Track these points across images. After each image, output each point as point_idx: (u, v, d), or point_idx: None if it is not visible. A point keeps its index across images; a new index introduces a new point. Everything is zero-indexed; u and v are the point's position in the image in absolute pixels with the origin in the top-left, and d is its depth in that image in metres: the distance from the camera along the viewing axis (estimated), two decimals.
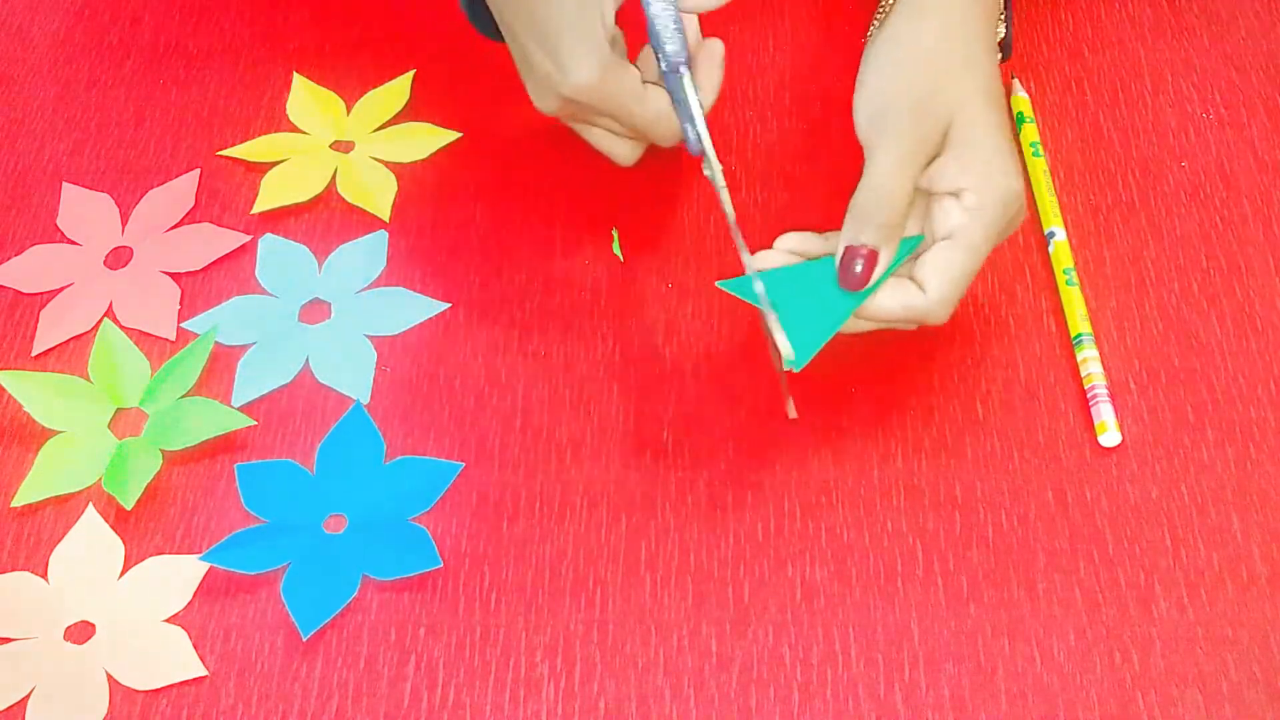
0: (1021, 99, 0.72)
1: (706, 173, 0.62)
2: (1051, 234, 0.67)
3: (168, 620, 0.58)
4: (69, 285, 0.70)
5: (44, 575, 0.60)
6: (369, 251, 0.70)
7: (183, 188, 0.73)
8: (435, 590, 0.58)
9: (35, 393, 0.64)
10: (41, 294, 0.69)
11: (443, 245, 0.70)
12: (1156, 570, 0.57)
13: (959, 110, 0.59)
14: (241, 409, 0.64)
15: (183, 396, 0.64)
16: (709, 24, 0.70)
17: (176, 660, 0.57)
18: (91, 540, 0.60)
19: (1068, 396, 0.62)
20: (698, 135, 0.63)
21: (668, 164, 0.71)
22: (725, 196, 0.61)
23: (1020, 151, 0.71)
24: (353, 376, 0.65)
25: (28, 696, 0.56)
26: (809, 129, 0.73)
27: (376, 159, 0.73)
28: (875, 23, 0.65)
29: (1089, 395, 0.62)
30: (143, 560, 0.60)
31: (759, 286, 0.59)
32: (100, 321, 0.68)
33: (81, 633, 0.58)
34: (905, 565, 0.58)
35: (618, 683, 0.56)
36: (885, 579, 0.58)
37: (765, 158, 0.72)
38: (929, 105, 0.59)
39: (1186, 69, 0.74)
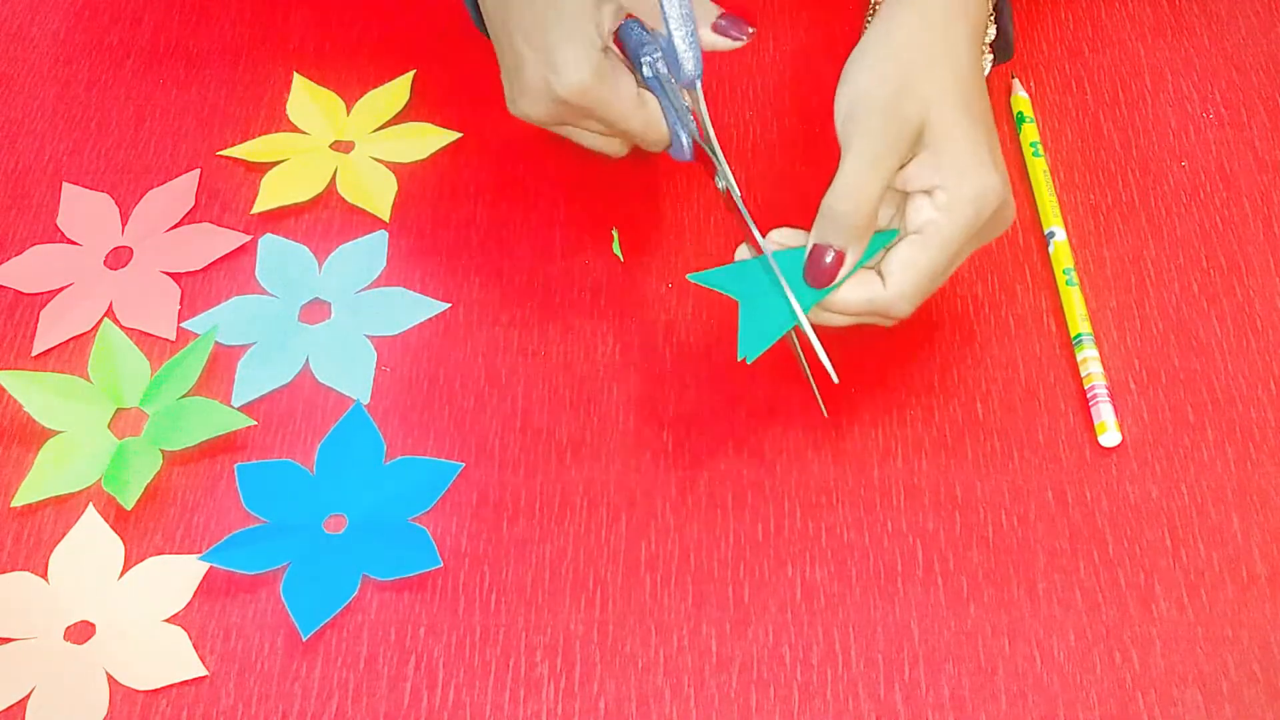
0: (1021, 99, 0.73)
1: (720, 184, 0.62)
2: (1051, 234, 0.67)
3: (168, 620, 0.58)
4: (69, 285, 0.70)
5: (44, 575, 0.60)
6: (369, 251, 0.70)
7: (183, 188, 0.73)
8: (435, 590, 0.58)
9: (35, 393, 0.64)
10: (41, 294, 0.69)
11: (443, 245, 0.70)
12: (1156, 570, 0.57)
13: (932, 109, 0.59)
14: (241, 409, 0.64)
15: (183, 396, 0.64)
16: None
17: (176, 660, 0.57)
18: (91, 540, 0.60)
19: (1068, 396, 0.62)
20: (702, 145, 0.63)
21: (668, 164, 0.71)
22: (740, 205, 0.61)
23: (1021, 151, 0.71)
24: (353, 376, 0.65)
25: (28, 696, 0.56)
26: (809, 129, 0.73)
27: (376, 159, 0.73)
28: (866, 22, 0.65)
29: (1089, 395, 0.62)
30: (143, 560, 0.60)
31: (760, 251, 0.59)
32: (100, 321, 0.68)
33: (81, 633, 0.58)
34: (905, 565, 0.58)
35: (618, 683, 0.56)
36: (885, 579, 0.58)
37: (765, 158, 0.72)
38: (900, 104, 0.59)
39: (1186, 68, 0.74)
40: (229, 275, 0.69)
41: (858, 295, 0.59)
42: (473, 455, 0.62)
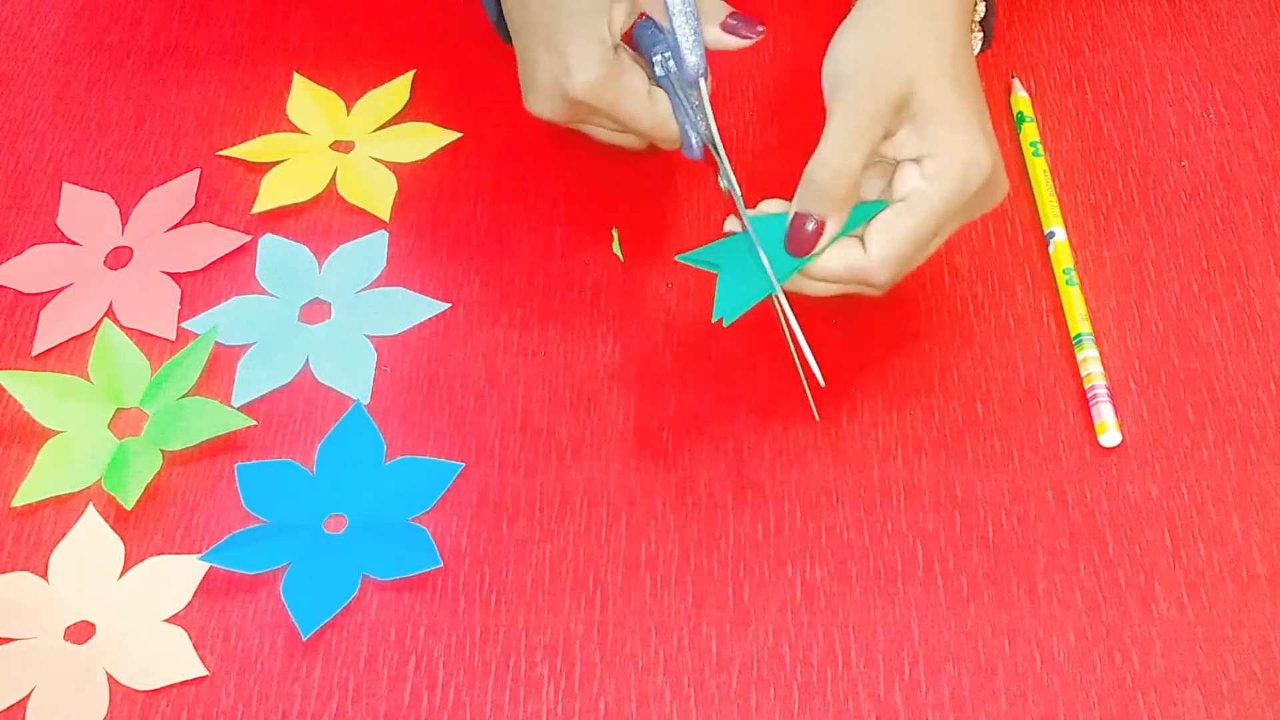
0: (1021, 99, 0.72)
1: (723, 184, 0.62)
2: (1051, 234, 0.67)
3: (168, 620, 0.58)
4: (69, 285, 0.70)
5: (44, 575, 0.60)
6: (369, 251, 0.70)
7: (183, 188, 0.73)
8: (435, 590, 0.58)
9: (35, 393, 0.64)
10: (41, 294, 0.69)
11: (443, 245, 0.70)
12: (1156, 570, 0.57)
13: (917, 80, 0.58)
14: (241, 409, 0.64)
15: (183, 396, 0.64)
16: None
17: (176, 660, 0.57)
18: (91, 540, 0.60)
19: (1068, 396, 0.62)
20: (707, 144, 0.63)
21: (668, 164, 0.71)
22: (740, 205, 0.61)
23: (1021, 151, 0.71)
24: (353, 376, 0.65)
25: (28, 696, 0.56)
26: (810, 129, 0.73)
27: (376, 159, 0.73)
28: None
29: (1089, 395, 0.62)
30: (143, 560, 0.60)
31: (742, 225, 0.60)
32: (100, 321, 0.68)
33: (81, 633, 0.58)
34: (905, 565, 0.58)
35: (618, 683, 0.56)
36: (885, 579, 0.58)
37: (765, 157, 0.72)
38: (883, 75, 0.58)
39: (1186, 68, 0.74)
40: (229, 275, 0.69)
41: (838, 262, 0.59)
42: (473, 455, 0.62)
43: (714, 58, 0.63)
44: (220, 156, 0.74)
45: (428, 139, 0.74)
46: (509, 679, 0.56)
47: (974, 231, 0.68)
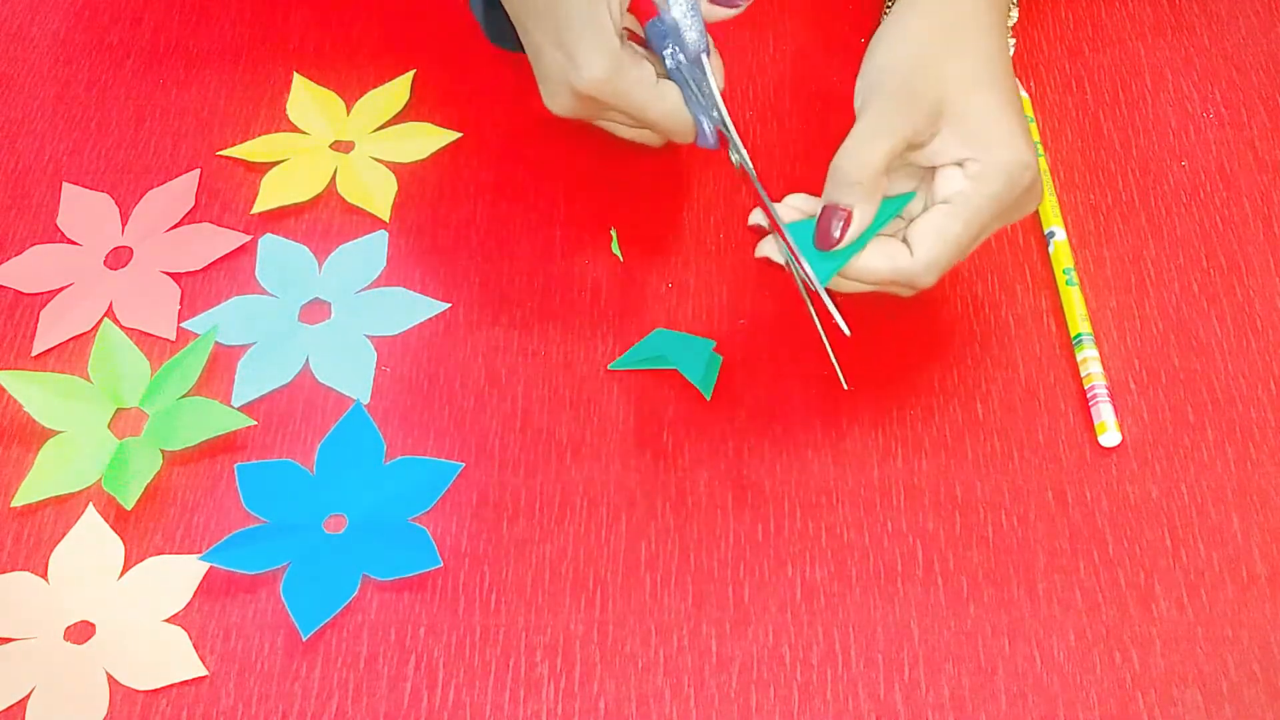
0: (1022, 99, 0.72)
1: (734, 158, 0.62)
2: (1051, 234, 0.67)
3: (168, 620, 0.58)
4: (69, 285, 0.70)
5: (44, 575, 0.60)
6: (369, 251, 0.70)
7: (183, 188, 0.73)
8: (435, 590, 0.58)
9: (35, 393, 0.64)
10: (41, 294, 0.69)
11: (443, 245, 0.70)
12: (1156, 570, 0.57)
13: (954, 86, 0.58)
14: (241, 409, 0.64)
15: (183, 396, 0.64)
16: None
17: (176, 660, 0.57)
18: (91, 540, 0.60)
19: (1068, 396, 0.62)
20: (717, 123, 0.63)
21: (667, 164, 0.71)
22: (754, 176, 0.61)
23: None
24: (353, 376, 0.65)
25: (28, 696, 0.56)
26: (809, 129, 0.73)
27: (376, 159, 0.73)
28: (885, 10, 0.65)
29: (1089, 395, 0.62)
30: (143, 560, 0.60)
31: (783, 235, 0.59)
32: (100, 321, 0.68)
33: (81, 633, 0.58)
34: (905, 565, 0.58)
35: (618, 683, 0.56)
36: (885, 579, 0.58)
37: (766, 158, 0.72)
38: (917, 79, 0.58)
39: (1187, 68, 0.74)
40: (229, 275, 0.69)
41: (883, 264, 0.58)
42: (473, 455, 0.62)
43: (719, 42, 0.63)
44: (220, 156, 0.74)
45: (428, 139, 0.74)
46: (509, 679, 0.56)
47: None
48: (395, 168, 0.73)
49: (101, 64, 0.80)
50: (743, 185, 0.62)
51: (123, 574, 0.59)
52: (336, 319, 0.67)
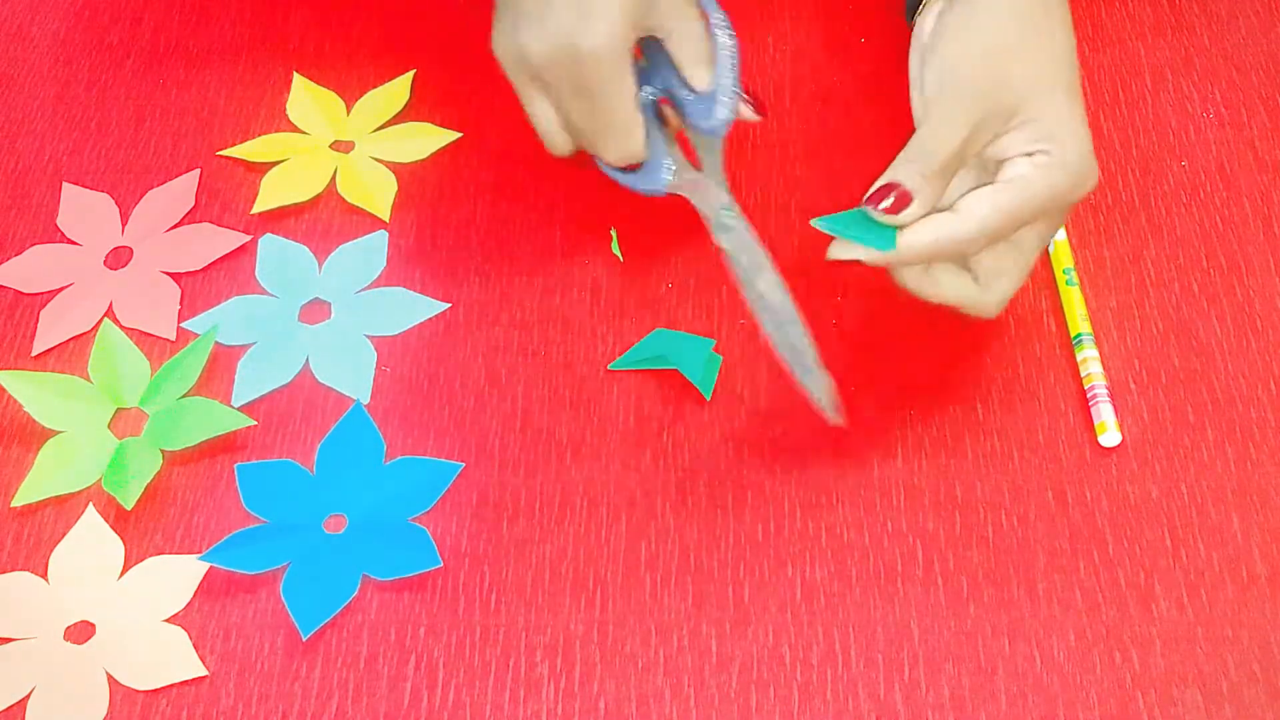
0: None
1: (723, 244, 0.61)
2: None
3: (168, 620, 0.58)
4: (69, 285, 0.70)
5: (44, 575, 0.60)
6: (369, 251, 0.70)
7: (183, 188, 0.73)
8: (435, 590, 0.58)
9: (35, 393, 0.64)
10: (41, 294, 0.69)
11: (443, 245, 0.70)
12: (1156, 570, 0.57)
13: (1029, 85, 0.57)
14: (241, 409, 0.64)
15: (183, 396, 0.64)
16: None
17: (176, 660, 0.57)
18: (91, 540, 0.60)
19: (1068, 396, 0.62)
20: (708, 207, 0.62)
21: None
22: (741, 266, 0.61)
23: None
24: (353, 376, 0.65)
25: (28, 696, 0.56)
26: (809, 129, 0.73)
27: (376, 159, 0.73)
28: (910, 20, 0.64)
29: (1089, 395, 0.62)
30: (143, 560, 0.60)
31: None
32: (100, 321, 0.68)
33: (81, 633, 0.58)
34: (905, 565, 0.58)
35: (618, 683, 0.56)
36: (885, 579, 0.58)
37: (765, 158, 0.72)
38: (993, 76, 0.57)
39: (1187, 68, 0.74)
40: (229, 275, 0.69)
41: (927, 233, 0.56)
42: (473, 455, 0.62)
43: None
44: (220, 156, 0.74)
45: (428, 139, 0.74)
46: (509, 679, 0.56)
47: None
48: (395, 168, 0.73)
49: (101, 64, 0.80)
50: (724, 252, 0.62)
51: (123, 574, 0.59)
52: (336, 319, 0.67)
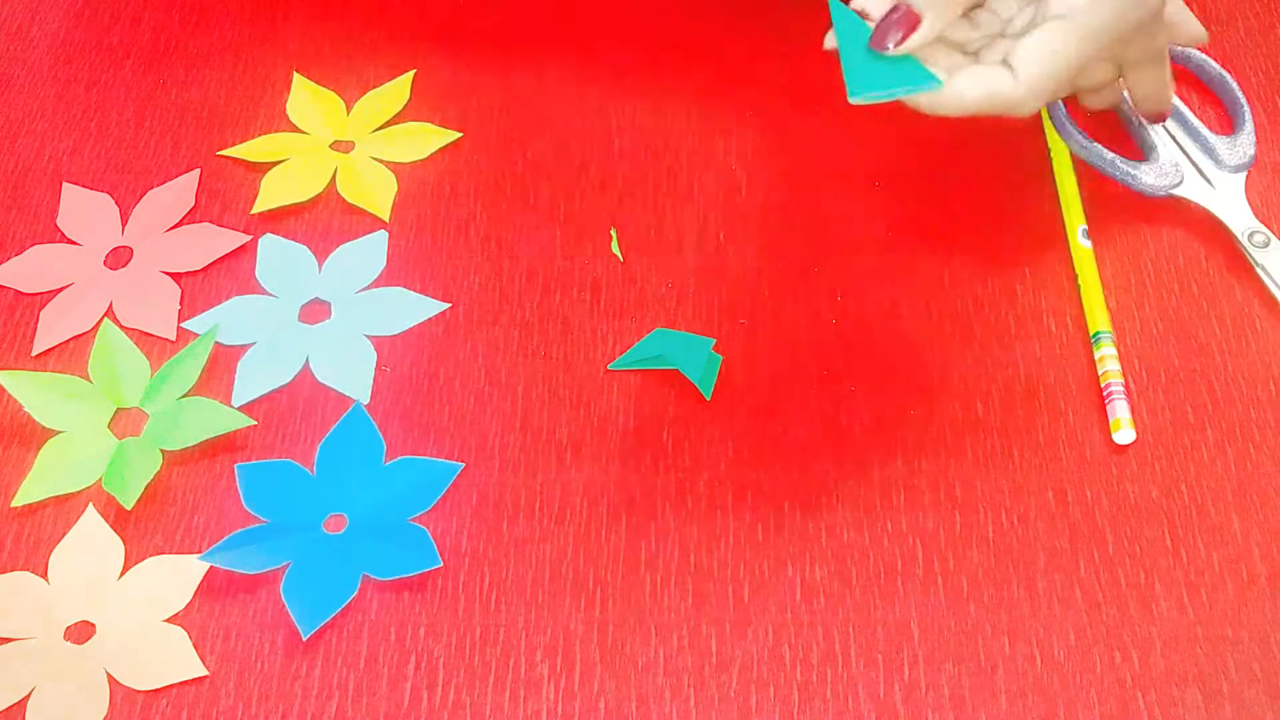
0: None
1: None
2: (1083, 230, 0.67)
3: (168, 620, 0.58)
4: (69, 285, 0.70)
5: (44, 575, 0.60)
6: (369, 251, 0.70)
7: (183, 188, 0.73)
8: (435, 590, 0.58)
9: (35, 393, 0.64)
10: (41, 294, 0.69)
11: (443, 245, 0.70)
12: (1156, 570, 0.57)
13: None
14: (241, 409, 0.64)
15: (183, 396, 0.64)
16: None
17: (176, 660, 0.57)
18: (91, 540, 0.60)
19: (1067, 396, 0.62)
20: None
21: (668, 164, 0.71)
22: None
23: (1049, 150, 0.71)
24: (353, 376, 0.65)
25: (28, 696, 0.56)
26: (808, 130, 0.73)
27: (376, 159, 0.73)
28: None
29: (1105, 392, 0.62)
30: (143, 560, 0.60)
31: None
32: (100, 321, 0.68)
33: (81, 633, 0.58)
34: (905, 565, 0.58)
35: (618, 683, 0.56)
36: (885, 579, 0.58)
37: (765, 158, 0.72)
38: None
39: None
40: (229, 275, 0.69)
41: (979, 89, 0.53)
42: (473, 455, 0.62)
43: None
44: (220, 156, 0.74)
45: (428, 139, 0.74)
46: (509, 679, 0.56)
47: (973, 231, 0.68)
48: (395, 168, 0.73)
49: (101, 64, 0.80)
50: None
51: (123, 574, 0.59)
52: (336, 319, 0.67)
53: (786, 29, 0.78)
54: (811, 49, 0.77)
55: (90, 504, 0.61)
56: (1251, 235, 0.66)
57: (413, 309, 0.67)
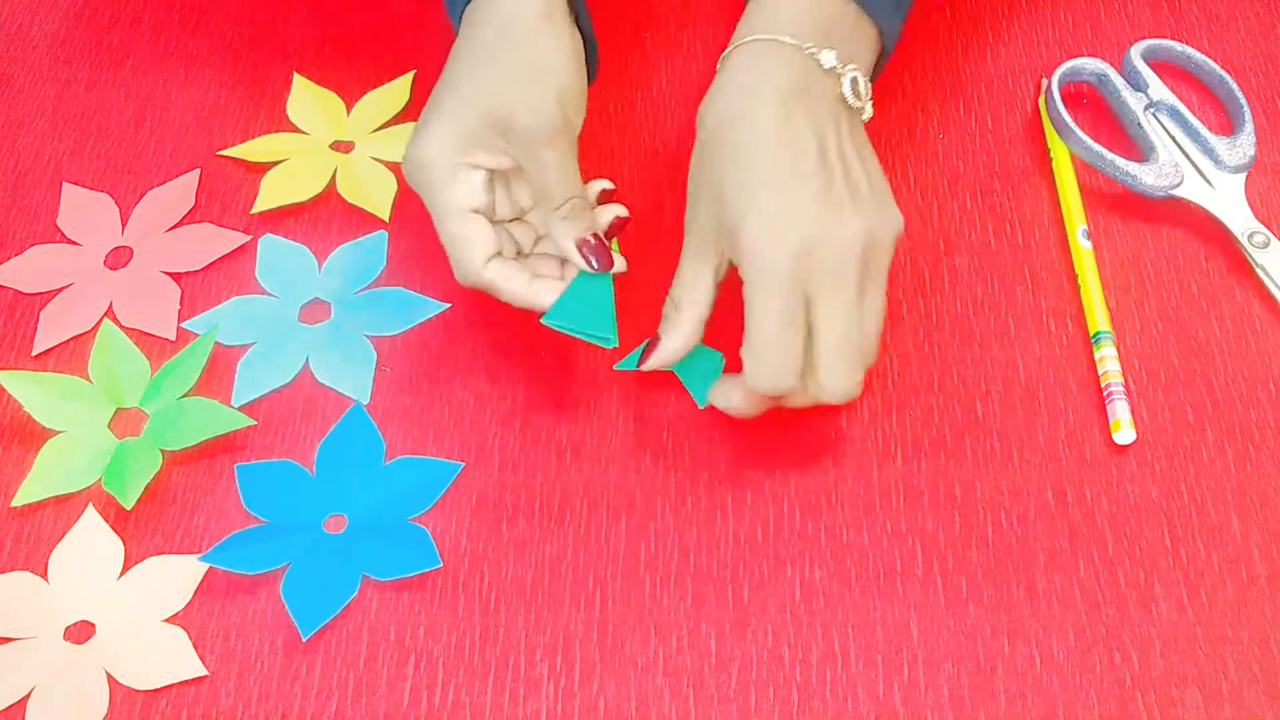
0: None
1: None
2: (1084, 231, 0.67)
3: (168, 620, 0.58)
4: (69, 285, 0.70)
5: (44, 575, 0.60)
6: (369, 251, 0.70)
7: (183, 188, 0.73)
8: (435, 590, 0.58)
9: (35, 393, 0.64)
10: (41, 294, 0.69)
11: (442, 245, 0.70)
12: (1156, 570, 0.57)
13: (717, 197, 0.57)
14: (241, 409, 0.64)
15: (183, 396, 0.64)
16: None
17: (176, 660, 0.57)
18: (91, 540, 0.60)
19: (1067, 396, 0.62)
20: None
21: (667, 164, 0.71)
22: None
23: (1048, 150, 0.71)
24: (353, 376, 0.65)
25: (28, 696, 0.56)
26: None
27: (376, 159, 0.73)
28: None
29: (1105, 392, 0.62)
30: (143, 560, 0.60)
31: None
32: (100, 321, 0.68)
33: (81, 633, 0.58)
34: (905, 565, 0.58)
35: (618, 683, 0.56)
36: (885, 579, 0.58)
37: None
38: (695, 201, 0.59)
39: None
40: (229, 275, 0.69)
41: (734, 398, 0.60)
42: (473, 455, 0.62)
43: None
44: (220, 156, 0.74)
45: None
46: (509, 679, 0.56)
47: (973, 231, 0.68)
48: (395, 168, 0.73)
49: (101, 64, 0.80)
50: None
51: (123, 574, 0.59)
52: (336, 319, 0.67)
53: None
54: None
55: (90, 504, 0.61)
56: (1251, 235, 0.66)
57: (413, 309, 0.67)
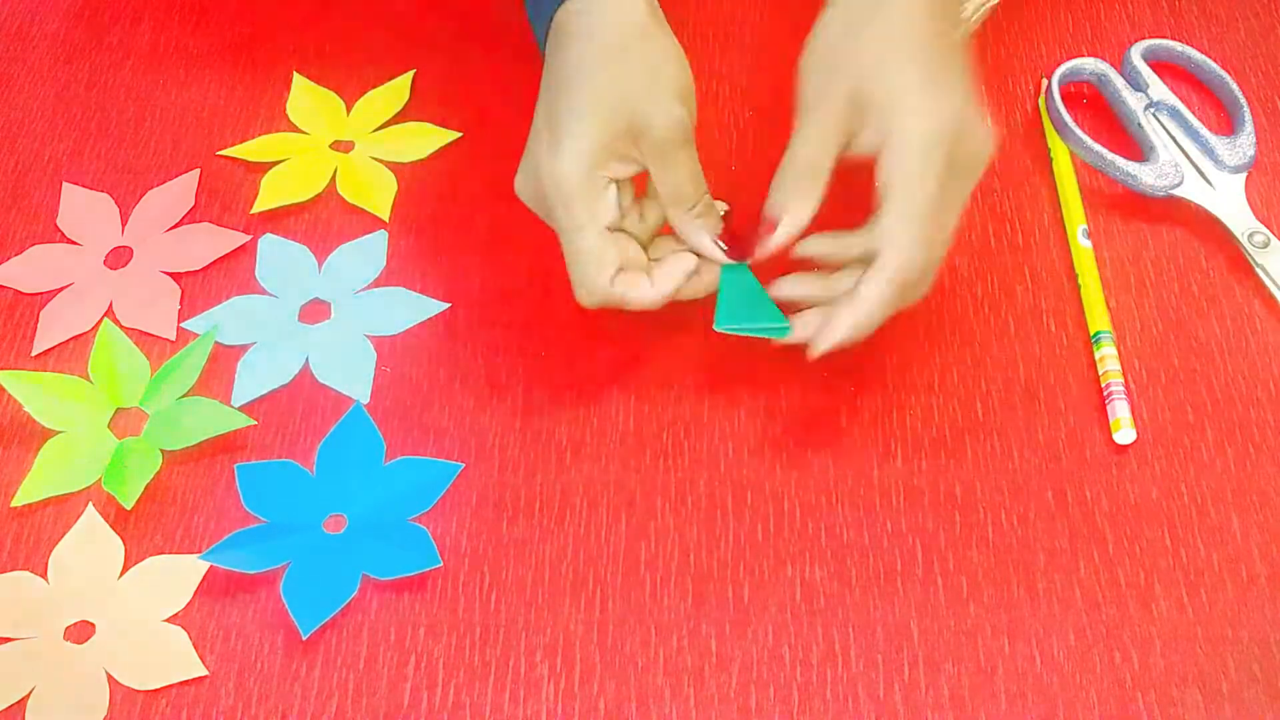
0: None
1: None
2: (1084, 231, 0.67)
3: (168, 620, 0.58)
4: (69, 285, 0.70)
5: (44, 575, 0.60)
6: (369, 251, 0.70)
7: (183, 188, 0.73)
8: (435, 590, 0.58)
9: (35, 393, 0.64)
10: (41, 294, 0.69)
11: (443, 245, 0.70)
12: (1156, 570, 0.57)
13: (863, 71, 0.58)
14: (241, 409, 0.64)
15: (183, 396, 0.64)
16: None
17: (176, 660, 0.57)
18: (91, 540, 0.60)
19: (1067, 396, 0.62)
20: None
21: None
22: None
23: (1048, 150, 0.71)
24: (353, 376, 0.65)
25: (28, 696, 0.56)
26: None
27: (376, 159, 0.73)
28: None
29: (1105, 392, 0.62)
30: (143, 560, 0.60)
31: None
32: (100, 321, 0.68)
33: (81, 633, 0.58)
34: (905, 565, 0.58)
35: (618, 683, 0.56)
36: (885, 579, 0.58)
37: (764, 157, 0.72)
38: (836, 73, 0.59)
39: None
40: (229, 275, 0.69)
41: (841, 328, 0.59)
42: (473, 455, 0.62)
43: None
44: (220, 156, 0.74)
45: (428, 139, 0.74)
46: (509, 679, 0.56)
47: (973, 231, 0.68)
48: (395, 168, 0.73)
49: (101, 64, 0.80)
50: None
51: (123, 574, 0.59)
52: (336, 319, 0.67)
53: (787, 35, 0.78)
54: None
55: (90, 504, 0.61)
56: (1251, 235, 0.66)
57: (413, 309, 0.67)
